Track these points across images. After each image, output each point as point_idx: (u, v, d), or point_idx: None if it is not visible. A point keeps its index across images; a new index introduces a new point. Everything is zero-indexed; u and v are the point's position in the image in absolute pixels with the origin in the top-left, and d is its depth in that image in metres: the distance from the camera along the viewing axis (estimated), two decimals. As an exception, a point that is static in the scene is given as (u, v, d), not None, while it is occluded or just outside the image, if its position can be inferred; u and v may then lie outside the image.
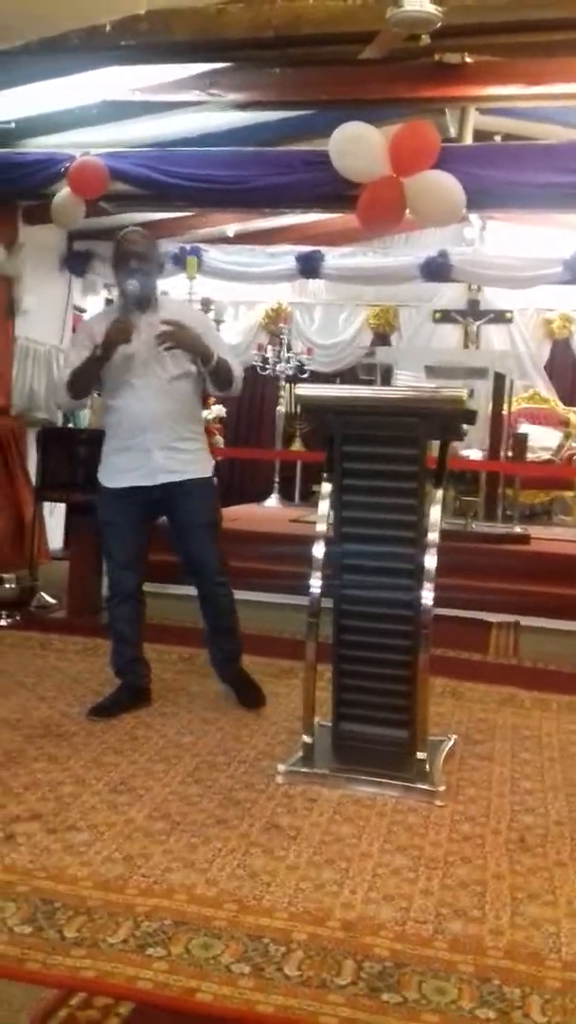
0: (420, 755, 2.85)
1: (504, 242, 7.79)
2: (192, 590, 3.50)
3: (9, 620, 4.68)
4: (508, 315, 8.81)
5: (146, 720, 3.31)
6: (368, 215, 4.99)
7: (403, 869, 2.30)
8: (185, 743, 3.11)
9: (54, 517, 6.52)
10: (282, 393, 8.79)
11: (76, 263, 7.38)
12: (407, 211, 4.84)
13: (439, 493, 2.99)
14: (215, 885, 2.17)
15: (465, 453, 7.02)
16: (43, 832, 2.40)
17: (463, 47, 4.27)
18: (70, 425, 6.92)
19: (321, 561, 2.94)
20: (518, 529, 6.59)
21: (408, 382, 7.34)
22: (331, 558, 2.96)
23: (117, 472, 3.37)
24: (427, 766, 2.83)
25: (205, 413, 4.65)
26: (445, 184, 4.73)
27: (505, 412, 7.38)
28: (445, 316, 8.94)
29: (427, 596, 2.80)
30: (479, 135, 5.82)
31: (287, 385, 8.67)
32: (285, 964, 1.87)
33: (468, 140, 5.66)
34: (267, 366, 8.79)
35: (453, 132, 5.79)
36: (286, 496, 8.71)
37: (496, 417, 7.17)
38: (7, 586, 4.78)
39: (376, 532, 2.96)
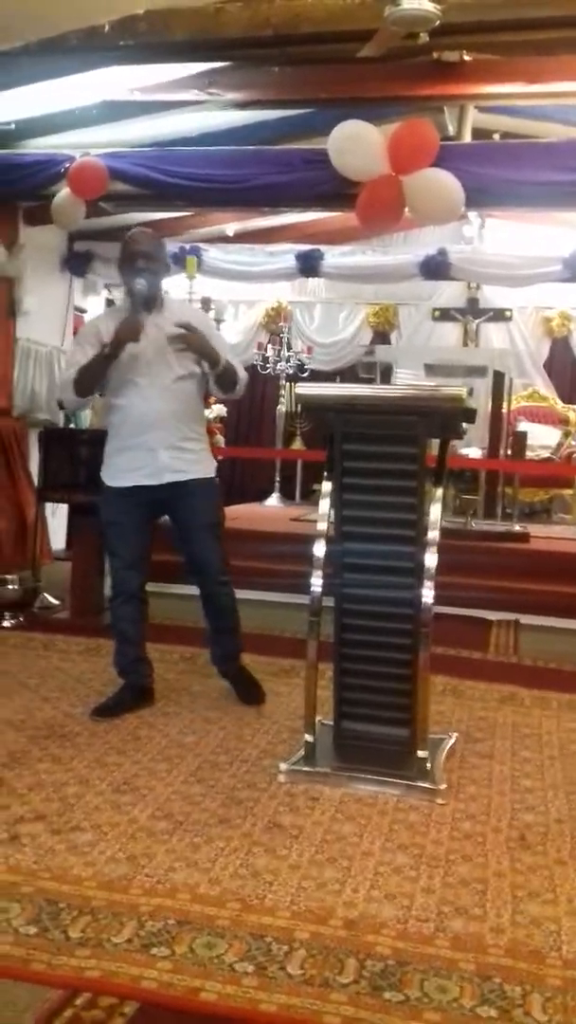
0: (421, 753, 2.85)
1: (503, 240, 7.79)
2: (194, 590, 3.52)
3: (12, 621, 4.68)
4: (507, 313, 8.82)
5: (149, 720, 3.32)
6: (367, 213, 4.99)
7: (404, 867, 2.31)
8: (187, 743, 3.12)
9: (56, 518, 6.52)
10: (282, 392, 8.79)
11: (77, 264, 7.39)
12: (406, 209, 4.85)
13: (439, 491, 2.99)
14: (218, 884, 2.18)
15: (465, 451, 7.01)
16: (47, 833, 2.41)
17: (461, 45, 4.28)
18: (72, 426, 6.92)
19: (322, 560, 2.94)
20: (518, 527, 6.59)
21: (408, 380, 7.35)
22: (332, 557, 2.96)
23: (121, 471, 3.37)
24: (428, 764, 2.84)
25: (206, 413, 4.65)
26: (444, 182, 4.73)
27: (504, 410, 7.38)
28: (444, 314, 8.95)
29: (427, 594, 2.80)
30: (478, 133, 5.83)
31: (287, 384, 8.66)
32: (288, 963, 1.87)
33: (467, 138, 5.67)
34: (267, 365, 8.78)
35: (452, 130, 5.80)
36: (287, 495, 8.71)
37: (495, 415, 7.17)
38: (10, 587, 4.78)
39: (376, 531, 2.96)
